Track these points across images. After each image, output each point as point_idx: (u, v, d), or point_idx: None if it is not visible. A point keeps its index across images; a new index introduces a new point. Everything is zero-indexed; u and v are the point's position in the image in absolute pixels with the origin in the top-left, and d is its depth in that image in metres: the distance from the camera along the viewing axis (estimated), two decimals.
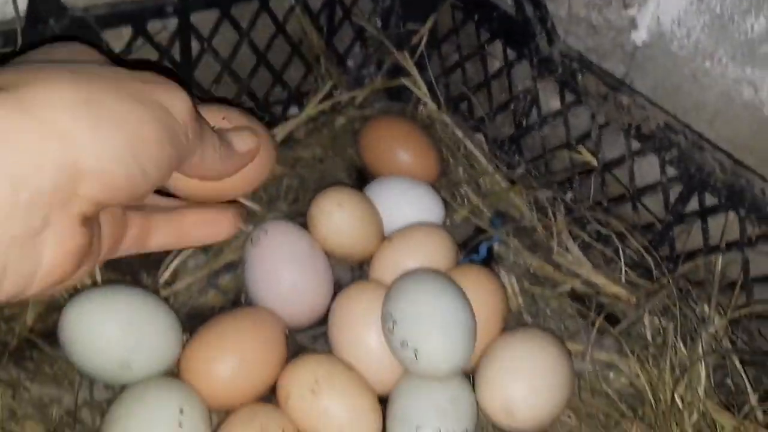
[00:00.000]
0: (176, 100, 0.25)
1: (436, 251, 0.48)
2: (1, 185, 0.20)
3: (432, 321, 0.42)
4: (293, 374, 0.42)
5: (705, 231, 0.45)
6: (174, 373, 0.42)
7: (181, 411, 0.38)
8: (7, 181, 0.20)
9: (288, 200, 0.55)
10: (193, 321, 0.46)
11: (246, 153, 0.31)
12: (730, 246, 0.44)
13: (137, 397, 0.38)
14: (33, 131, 0.20)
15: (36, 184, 0.20)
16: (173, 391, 0.39)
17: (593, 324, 0.46)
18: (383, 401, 0.43)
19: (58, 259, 0.22)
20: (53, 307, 0.45)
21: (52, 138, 0.20)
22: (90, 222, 0.23)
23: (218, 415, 0.42)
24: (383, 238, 0.51)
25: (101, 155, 0.21)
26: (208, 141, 0.28)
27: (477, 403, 0.43)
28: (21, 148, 0.20)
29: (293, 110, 0.60)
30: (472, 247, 0.53)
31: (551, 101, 0.55)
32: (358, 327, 0.45)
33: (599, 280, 0.50)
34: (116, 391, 0.41)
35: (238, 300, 0.49)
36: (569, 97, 0.51)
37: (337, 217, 0.48)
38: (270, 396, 0.43)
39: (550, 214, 0.53)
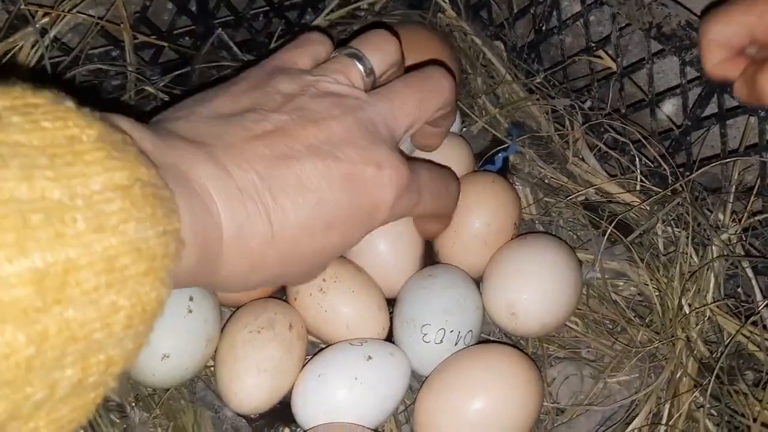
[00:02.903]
0: (385, 191, 0.32)
1: (452, 158, 0.48)
2: None
3: None
4: None
5: (723, 135, 0.43)
6: None
7: (191, 298, 0.39)
8: None
9: None
10: None
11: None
12: (748, 150, 0.43)
13: None
14: None
15: None
16: None
17: (605, 233, 0.46)
18: (390, 304, 0.44)
19: None
20: None
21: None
22: None
23: (229, 311, 0.44)
24: None
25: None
26: (424, 198, 0.36)
27: (483, 306, 0.44)
28: None
29: (308, 18, 0.59)
30: (488, 157, 0.53)
31: (573, 5, 0.53)
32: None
33: (613, 189, 0.50)
34: None
35: None
36: None
37: None
38: (281, 295, 0.44)
39: (567, 123, 0.52)
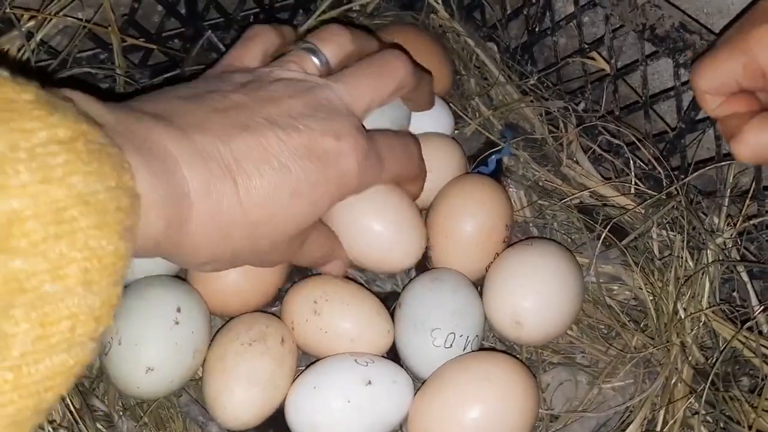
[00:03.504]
0: (347, 159, 0.33)
1: (445, 160, 0.47)
2: None
3: None
4: (292, 302, 0.42)
5: (718, 138, 0.43)
6: (182, 277, 0.42)
7: (179, 309, 0.38)
8: None
9: None
10: None
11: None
12: None
13: (137, 294, 0.39)
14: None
15: None
16: (172, 289, 0.39)
17: (599, 237, 0.46)
18: (389, 300, 0.43)
19: None
20: None
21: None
22: None
23: (222, 320, 0.43)
24: None
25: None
26: (387, 163, 0.36)
27: (485, 314, 0.43)
28: None
29: (300, 19, 0.58)
30: (481, 159, 0.52)
31: (567, 6, 0.53)
32: (351, 231, 0.43)
33: (607, 192, 0.49)
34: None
35: None
36: None
37: None
38: (270, 308, 0.44)
39: (561, 125, 0.52)
